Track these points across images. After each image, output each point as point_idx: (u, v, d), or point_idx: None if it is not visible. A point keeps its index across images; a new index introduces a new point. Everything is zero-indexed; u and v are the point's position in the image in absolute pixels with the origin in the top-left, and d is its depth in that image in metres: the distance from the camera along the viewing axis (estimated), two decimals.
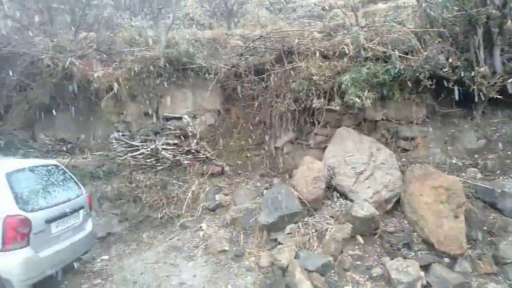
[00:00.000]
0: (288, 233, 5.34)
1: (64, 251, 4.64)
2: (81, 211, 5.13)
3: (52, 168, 5.12)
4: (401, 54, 6.34)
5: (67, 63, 7.52)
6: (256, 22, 11.35)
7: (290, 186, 5.97)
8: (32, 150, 7.67)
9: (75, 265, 5.20)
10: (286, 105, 6.79)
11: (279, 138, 7.23)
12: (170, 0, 11.93)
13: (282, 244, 5.24)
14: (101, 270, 5.34)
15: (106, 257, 5.71)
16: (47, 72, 7.70)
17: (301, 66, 6.74)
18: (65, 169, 5.38)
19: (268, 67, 7.34)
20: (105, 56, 8.11)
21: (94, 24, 10.46)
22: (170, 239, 5.87)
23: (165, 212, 6.31)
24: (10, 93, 7.95)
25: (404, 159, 6.46)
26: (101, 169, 6.95)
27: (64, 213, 4.72)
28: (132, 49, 8.25)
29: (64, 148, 7.75)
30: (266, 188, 6.46)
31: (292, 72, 6.90)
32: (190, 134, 7.31)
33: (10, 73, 7.93)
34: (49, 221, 4.44)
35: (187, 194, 6.52)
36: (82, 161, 7.08)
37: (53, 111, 8.03)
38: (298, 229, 5.35)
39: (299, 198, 5.68)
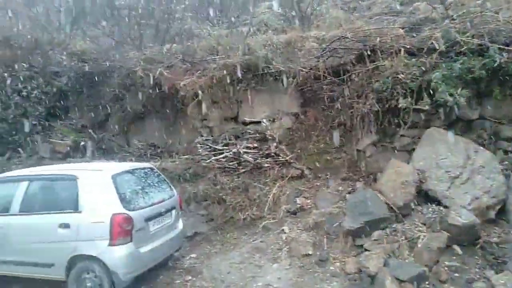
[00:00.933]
0: (375, 240, 5.12)
1: (160, 247, 4.99)
2: (173, 211, 5.48)
3: (148, 171, 5.55)
4: (501, 46, 5.73)
5: (157, 73, 8.12)
6: (331, 23, 11.10)
7: (375, 191, 5.72)
8: (127, 154, 8.44)
9: (168, 261, 5.60)
10: (369, 106, 6.52)
11: (360, 140, 6.97)
12: (246, 8, 12.28)
13: (368, 250, 5.03)
14: (191, 267, 5.61)
15: (194, 255, 5.98)
16: (140, 82, 8.42)
17: (384, 64, 6.44)
18: (159, 171, 5.82)
19: (348, 67, 7.14)
20: (189, 65, 8.61)
21: (176, 36, 11.19)
22: (253, 241, 6.00)
23: (248, 214, 6.46)
24: (109, 103, 8.85)
25: (506, 162, 5.79)
26: (188, 172, 7.35)
27: (160, 213, 5.08)
28: (214, 57, 8.62)
29: (155, 152, 8.40)
30: (349, 192, 6.28)
31: (374, 71, 6.63)
32: (269, 137, 7.41)
33: (109, 85, 8.85)
34: (147, 220, 4.81)
35: (268, 197, 6.62)
36: (171, 164, 7.58)
37: (145, 118, 8.76)
38: (386, 236, 5.12)
39: (386, 203, 5.43)
